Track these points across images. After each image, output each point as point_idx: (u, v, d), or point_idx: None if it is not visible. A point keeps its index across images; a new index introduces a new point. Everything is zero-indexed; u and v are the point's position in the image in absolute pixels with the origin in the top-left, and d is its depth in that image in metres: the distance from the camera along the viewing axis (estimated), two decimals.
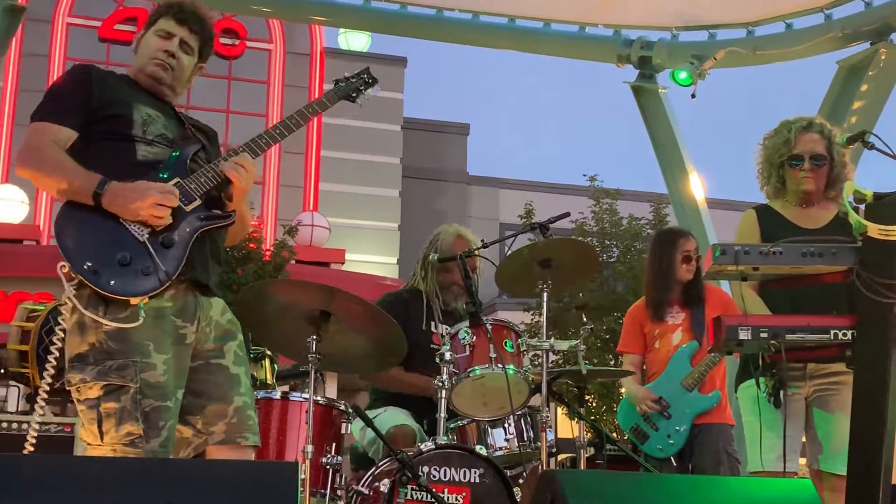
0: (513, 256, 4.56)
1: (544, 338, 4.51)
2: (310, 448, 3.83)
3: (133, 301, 2.94)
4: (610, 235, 17.83)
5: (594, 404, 16.04)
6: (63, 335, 3.01)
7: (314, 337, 3.92)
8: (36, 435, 3.13)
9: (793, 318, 3.39)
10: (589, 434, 4.95)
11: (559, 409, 5.06)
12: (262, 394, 4.18)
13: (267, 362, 5.34)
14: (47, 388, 3.05)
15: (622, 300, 15.92)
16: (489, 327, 4.26)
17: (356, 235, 20.74)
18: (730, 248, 3.38)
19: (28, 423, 4.73)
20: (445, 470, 3.90)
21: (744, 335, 3.33)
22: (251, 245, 15.52)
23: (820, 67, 10.10)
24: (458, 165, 25.56)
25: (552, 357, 7.88)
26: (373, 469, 3.98)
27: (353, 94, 3.66)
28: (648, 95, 10.69)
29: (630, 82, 10.69)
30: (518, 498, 4.01)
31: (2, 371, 5.20)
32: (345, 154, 21.53)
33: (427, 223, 5.39)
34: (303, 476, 3.84)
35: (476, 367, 4.22)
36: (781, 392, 3.82)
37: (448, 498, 3.84)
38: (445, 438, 4.11)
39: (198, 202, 3.11)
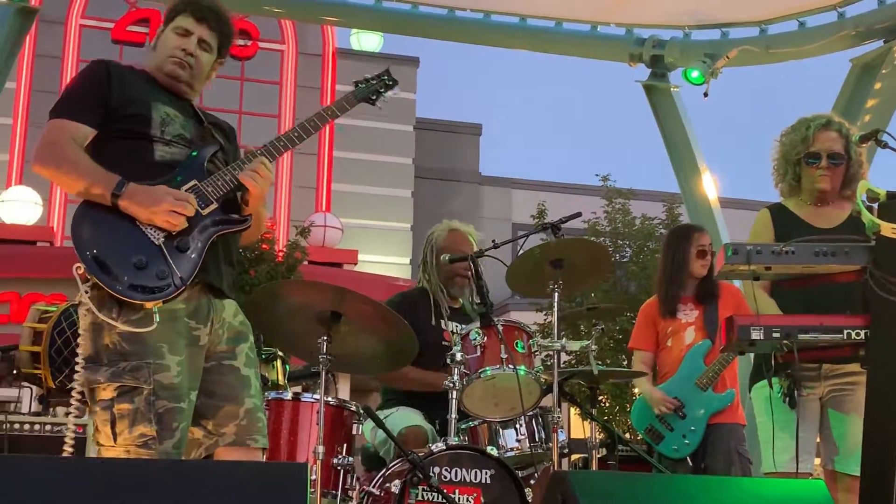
0: (524, 257, 4.55)
1: (556, 338, 4.50)
2: (321, 449, 3.83)
3: (147, 305, 2.94)
4: (623, 235, 17.79)
5: (607, 405, 16.01)
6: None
7: (325, 338, 3.92)
8: (73, 437, 3.11)
9: (805, 318, 3.37)
10: (601, 435, 4.93)
11: (572, 410, 5.05)
12: (273, 395, 4.18)
13: (279, 363, 5.33)
14: (79, 391, 3.04)
15: (635, 300, 15.90)
16: (500, 328, 4.26)
17: (369, 236, 20.76)
18: (742, 247, 3.36)
19: (41, 423, 4.74)
20: (456, 471, 3.89)
21: (756, 335, 3.32)
22: (264, 246, 15.54)
23: (833, 66, 10.06)
24: (471, 166, 25.55)
25: (564, 357, 7.85)
26: (384, 470, 3.97)
27: (373, 97, 3.63)
28: (661, 94, 10.65)
29: (642, 81, 10.65)
30: (529, 499, 4.00)
31: (14, 372, 5.21)
32: (357, 155, 21.54)
33: (439, 223, 5.38)
34: (314, 477, 3.84)
35: (487, 368, 4.22)
36: (796, 392, 3.80)
37: (459, 499, 3.83)
38: (457, 439, 4.11)
39: (214, 206, 3.11)
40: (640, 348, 5.50)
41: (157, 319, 2.95)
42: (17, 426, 4.69)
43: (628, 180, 22.90)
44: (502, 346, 4.22)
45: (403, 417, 4.57)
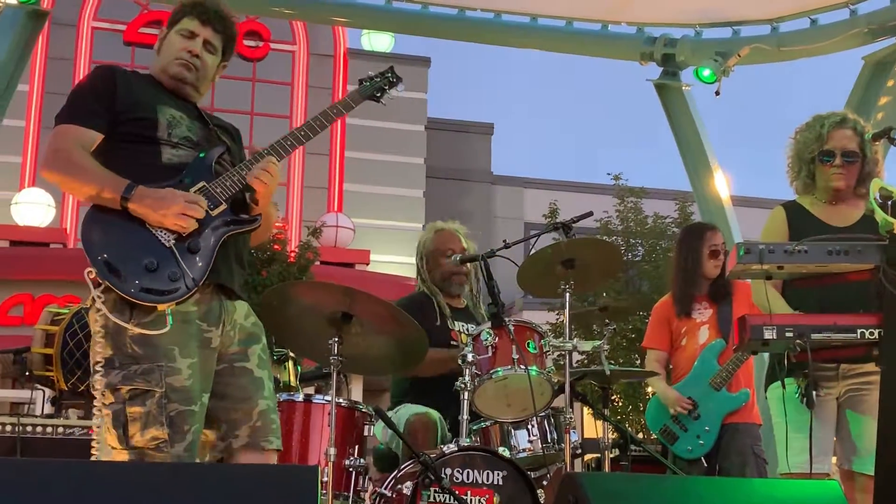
0: (535, 256, 4.54)
1: (567, 338, 4.48)
2: (332, 451, 3.83)
3: (160, 307, 2.94)
4: (635, 234, 17.77)
5: (620, 404, 15.98)
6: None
7: (336, 339, 3.92)
8: (98, 441, 3.11)
9: (819, 318, 3.35)
10: (614, 435, 4.91)
11: (585, 410, 5.03)
12: (284, 396, 4.17)
13: (290, 364, 5.34)
14: (99, 393, 3.04)
15: (647, 299, 15.86)
16: (511, 328, 4.24)
17: (380, 236, 20.76)
18: (754, 246, 3.34)
19: (53, 426, 4.75)
20: (468, 472, 3.88)
21: (769, 335, 3.31)
22: (276, 247, 15.57)
23: (845, 63, 10.01)
24: (483, 165, 25.54)
25: (577, 357, 7.82)
26: (395, 472, 3.97)
27: (378, 94, 3.64)
28: (672, 93, 10.62)
29: (653, 80, 10.62)
30: (542, 500, 3.99)
31: (27, 374, 5.22)
32: (369, 155, 21.56)
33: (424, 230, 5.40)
34: (325, 479, 3.84)
35: (499, 369, 4.21)
36: (814, 393, 3.77)
37: (471, 500, 3.82)
38: (468, 440, 4.10)
39: (223, 206, 3.11)
40: (654, 347, 5.47)
41: (171, 321, 2.95)
42: (29, 428, 4.70)
43: (640, 179, 22.84)
44: (514, 347, 4.21)
45: (410, 409, 4.57)
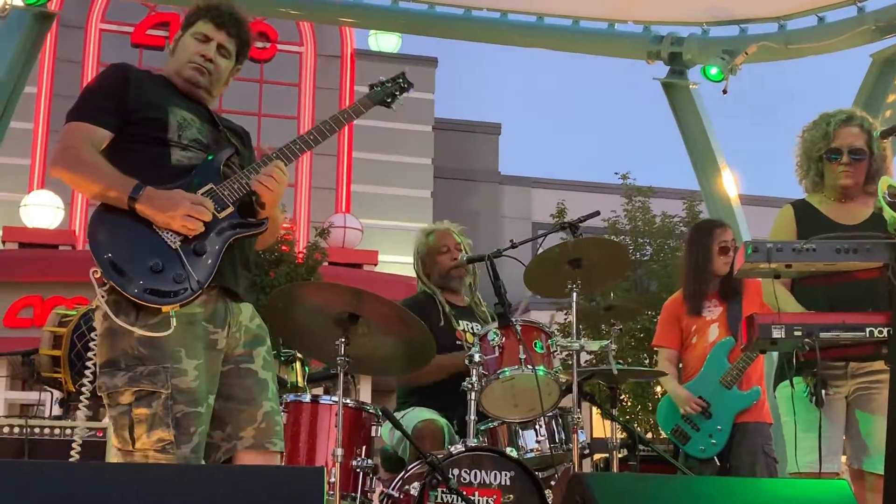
0: (542, 256, 4.53)
1: (575, 338, 4.47)
2: (339, 451, 3.82)
3: (164, 309, 2.94)
4: (643, 233, 17.76)
5: (629, 404, 15.97)
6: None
7: (342, 339, 3.91)
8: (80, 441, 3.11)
9: (827, 316, 3.33)
10: (622, 435, 4.89)
11: (594, 409, 5.03)
12: (291, 397, 4.17)
13: (298, 365, 5.33)
14: (86, 395, 3.05)
15: (656, 298, 15.84)
16: (518, 328, 4.24)
17: (388, 236, 20.78)
18: (762, 245, 3.33)
19: (61, 428, 4.75)
20: (476, 472, 3.88)
21: (777, 333, 3.29)
22: (283, 247, 15.59)
23: (853, 61, 9.98)
24: (490, 165, 25.56)
25: (585, 357, 7.79)
26: (402, 472, 3.96)
27: (388, 100, 3.64)
28: (679, 92, 10.59)
29: (661, 79, 10.59)
30: (549, 500, 3.98)
31: (35, 376, 5.22)
32: (376, 155, 21.59)
33: (459, 224, 5.40)
34: (333, 479, 3.83)
35: (506, 369, 4.20)
36: (823, 391, 3.75)
37: (478, 501, 3.82)
38: (476, 440, 4.09)
39: (231, 209, 3.10)
40: (664, 346, 5.45)
41: (175, 323, 2.94)
42: (36, 430, 4.70)
43: (648, 178, 22.84)
44: (521, 347, 4.20)
45: (418, 414, 4.57)
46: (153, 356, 2.95)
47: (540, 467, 4.38)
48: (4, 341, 13.36)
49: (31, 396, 6.23)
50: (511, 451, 4.12)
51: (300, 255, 16.31)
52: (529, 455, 4.31)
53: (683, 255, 5.65)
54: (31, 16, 9.12)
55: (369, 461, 4.07)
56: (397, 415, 4.50)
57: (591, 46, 10.80)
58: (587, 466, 5.40)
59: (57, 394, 5.35)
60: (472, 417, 4.13)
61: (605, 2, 10.10)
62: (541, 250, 4.55)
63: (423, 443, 4.26)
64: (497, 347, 4.26)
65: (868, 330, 3.26)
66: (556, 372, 4.32)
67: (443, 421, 4.51)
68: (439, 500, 3.75)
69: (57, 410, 5.35)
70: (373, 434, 4.20)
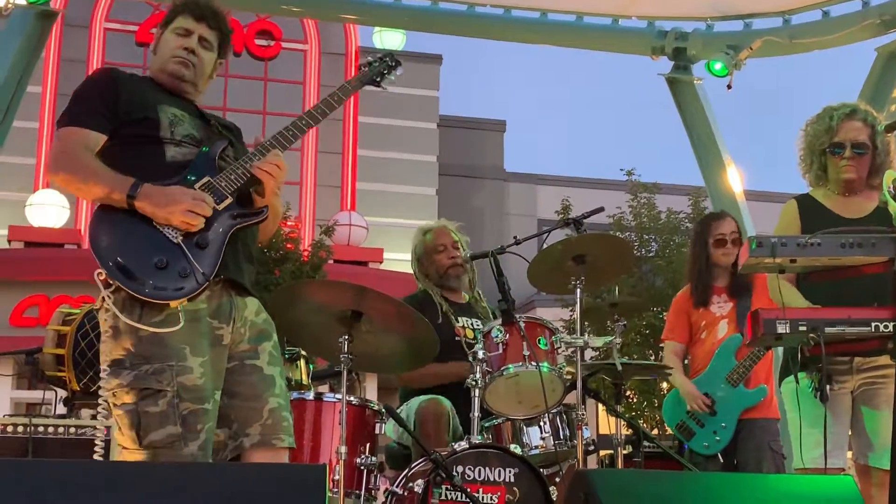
0: (546, 253, 4.52)
1: (579, 334, 4.46)
2: (343, 449, 3.82)
3: (173, 304, 2.93)
4: (648, 230, 17.73)
5: (634, 400, 15.95)
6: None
7: (346, 337, 3.90)
8: (103, 440, 3.10)
9: (832, 311, 3.32)
10: (627, 431, 4.88)
11: (600, 406, 5.01)
12: (295, 395, 4.16)
13: (302, 363, 5.33)
14: (105, 397, 3.03)
15: (661, 295, 15.83)
16: (522, 325, 4.23)
17: (394, 234, 20.76)
18: (766, 240, 3.31)
19: (65, 426, 4.74)
20: (480, 469, 3.87)
21: (782, 329, 3.28)
22: (288, 245, 15.60)
23: (859, 55, 9.95)
24: (495, 162, 25.55)
25: (591, 353, 7.76)
26: (406, 470, 3.95)
27: (377, 79, 3.62)
28: (684, 87, 10.56)
29: (665, 74, 10.57)
30: (554, 497, 3.97)
31: (40, 375, 5.22)
32: (381, 153, 21.58)
33: (465, 221, 5.41)
34: (337, 477, 3.83)
35: (510, 366, 4.20)
36: (828, 387, 3.74)
37: (483, 498, 3.81)
38: (480, 437, 4.08)
39: (229, 200, 3.09)
40: (672, 339, 5.42)
41: (183, 319, 2.94)
42: (41, 429, 4.70)
43: (653, 174, 22.80)
44: (525, 343, 4.19)
45: (420, 397, 4.58)
46: (158, 354, 2.94)
47: (544, 464, 4.37)
48: (10, 340, 13.39)
49: (38, 395, 6.24)
50: (515, 448, 4.11)
51: (305, 253, 16.32)
52: (534, 452, 4.30)
53: (688, 249, 5.66)
54: (33, 14, 9.11)
55: (373, 458, 4.07)
56: (399, 410, 4.50)
57: (595, 42, 10.77)
58: (592, 463, 5.39)
59: (62, 392, 5.34)
60: (477, 414, 4.12)
61: None
62: (545, 247, 4.54)
63: (427, 426, 4.26)
64: (501, 344, 4.26)
65: (874, 325, 3.25)
66: (560, 368, 4.31)
67: (446, 401, 4.50)
68: (444, 497, 3.74)
69: (61, 409, 5.35)
70: (377, 431, 4.20)
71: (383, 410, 4.18)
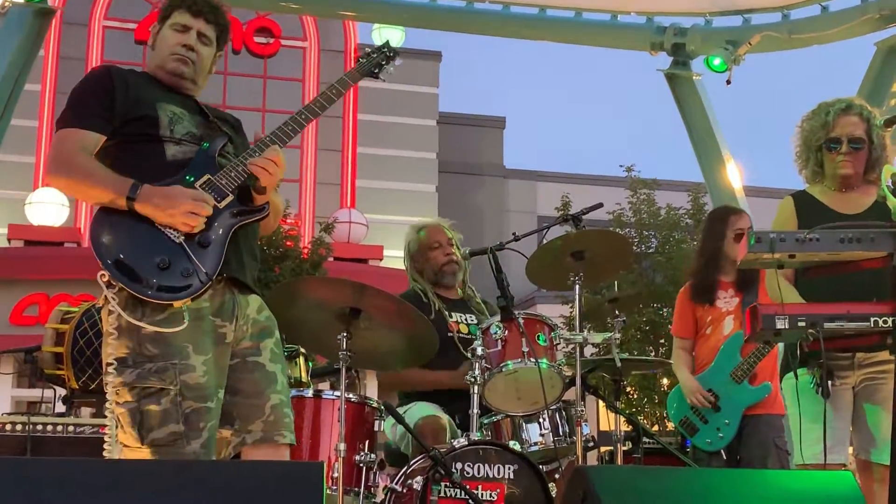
0: (544, 249, 4.51)
1: (578, 330, 4.45)
2: (342, 446, 3.81)
3: (177, 304, 2.93)
4: (648, 226, 17.72)
5: (635, 396, 15.94)
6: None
7: (345, 334, 3.90)
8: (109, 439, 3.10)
9: (831, 306, 3.31)
10: (628, 427, 4.88)
11: (601, 402, 5.01)
12: (294, 392, 4.15)
13: (301, 360, 5.32)
14: (113, 392, 3.02)
15: (661, 291, 15.83)
16: (521, 321, 4.22)
17: (394, 231, 20.72)
18: (765, 235, 3.31)
19: (63, 424, 4.75)
20: (479, 466, 3.86)
21: (781, 324, 3.27)
22: (288, 243, 15.59)
23: (858, 49, 9.95)
24: (495, 159, 25.54)
25: (592, 351, 7.75)
26: (405, 467, 3.95)
27: (376, 70, 3.60)
28: (683, 83, 10.57)
29: (664, 70, 10.57)
30: (553, 494, 3.96)
31: (39, 373, 5.22)
32: (381, 150, 21.55)
33: (464, 218, 5.40)
34: (336, 474, 3.82)
35: (509, 362, 4.19)
36: (830, 382, 3.73)
37: (482, 494, 3.80)
38: (479, 434, 4.07)
39: (230, 197, 3.08)
40: (680, 335, 5.38)
41: (187, 319, 2.93)
42: (39, 427, 4.70)
43: (653, 170, 22.82)
44: (524, 340, 4.18)
45: (420, 410, 4.55)
46: (161, 353, 2.94)
47: (544, 460, 4.37)
48: (10, 339, 13.39)
49: (39, 394, 6.24)
50: (514, 445, 4.10)
51: (305, 251, 16.31)
52: (533, 448, 4.29)
53: (698, 243, 5.61)
54: (31, 12, 9.12)
55: (372, 456, 4.06)
56: (399, 410, 4.48)
57: (594, 38, 10.79)
58: (592, 459, 5.38)
59: (61, 391, 5.34)
60: (476, 411, 4.11)
61: None
62: (544, 243, 4.53)
63: (424, 439, 4.25)
64: (500, 341, 4.25)
65: (873, 320, 3.24)
66: (560, 365, 4.31)
67: (446, 418, 4.49)
68: (443, 494, 3.73)
69: (60, 407, 5.35)
70: (376, 429, 4.19)
71: (382, 408, 4.17)
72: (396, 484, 3.87)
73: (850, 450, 4.05)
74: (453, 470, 3.73)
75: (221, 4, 3.35)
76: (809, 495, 2.78)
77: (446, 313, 4.88)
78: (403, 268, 5.26)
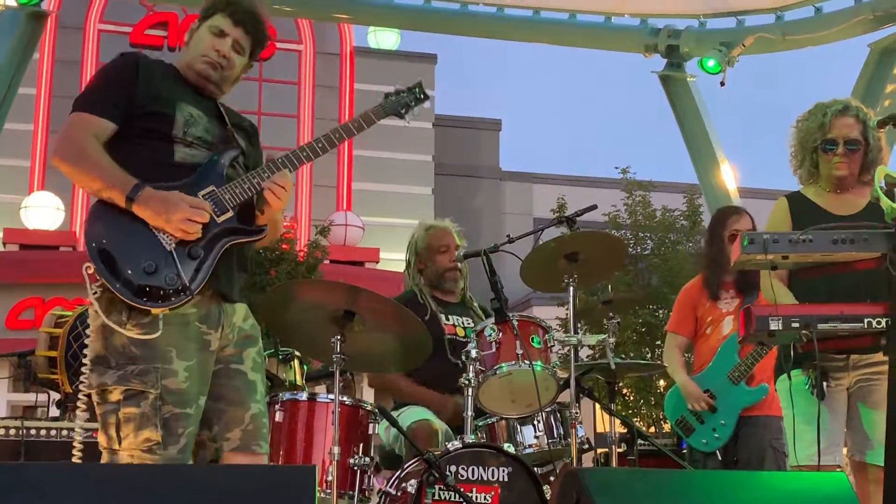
0: (538, 251, 4.49)
1: (572, 333, 4.44)
2: (336, 449, 3.80)
3: (154, 311, 2.91)
4: (643, 228, 17.72)
5: (631, 399, 15.94)
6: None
7: (339, 337, 3.89)
8: (81, 443, 3.09)
9: (825, 307, 3.31)
10: (623, 429, 4.86)
11: (596, 404, 4.99)
12: (288, 395, 4.14)
13: (296, 363, 5.32)
14: (86, 393, 3.01)
15: (657, 293, 15.82)
16: (515, 323, 4.21)
17: (390, 234, 20.73)
18: (758, 236, 3.31)
19: (57, 429, 4.74)
20: (473, 469, 3.84)
21: (775, 325, 3.26)
22: (284, 246, 15.57)
23: (851, 51, 9.96)
24: (491, 161, 25.53)
25: (587, 352, 7.75)
26: (399, 470, 3.93)
27: (403, 111, 3.45)
28: (677, 85, 10.59)
29: (658, 72, 10.58)
30: (548, 496, 3.95)
31: (32, 378, 5.21)
32: (377, 153, 21.54)
33: (461, 220, 5.37)
34: (330, 478, 3.81)
35: (503, 364, 4.17)
36: (825, 384, 3.72)
37: (476, 497, 3.78)
38: (473, 437, 4.06)
39: (230, 214, 3.06)
40: (676, 332, 5.37)
41: (162, 326, 2.91)
42: (33, 432, 4.69)
43: (648, 172, 22.79)
44: (518, 342, 4.17)
45: (413, 414, 4.54)
46: (144, 355, 2.93)
47: (538, 463, 4.36)
48: (6, 343, 13.33)
49: (33, 398, 6.23)
50: (509, 447, 4.09)
51: (301, 254, 16.30)
52: (528, 451, 4.28)
53: (704, 240, 5.62)
54: (25, 15, 9.11)
55: (367, 459, 4.05)
56: (394, 414, 4.47)
57: (588, 40, 10.80)
58: (587, 461, 5.37)
59: (55, 395, 5.33)
60: (470, 413, 4.10)
61: None
62: (538, 244, 4.52)
63: (417, 443, 4.24)
64: (494, 343, 4.24)
65: (866, 321, 3.23)
66: (554, 367, 4.30)
67: (438, 422, 4.48)
68: (437, 496, 3.71)
69: (54, 412, 5.34)
70: (370, 432, 4.18)
71: (377, 411, 4.16)
72: (390, 487, 3.86)
73: (845, 451, 4.05)
74: (447, 472, 3.71)
75: (264, 16, 3.29)
76: (803, 497, 2.78)
77: (442, 316, 4.87)
78: (400, 270, 5.24)
